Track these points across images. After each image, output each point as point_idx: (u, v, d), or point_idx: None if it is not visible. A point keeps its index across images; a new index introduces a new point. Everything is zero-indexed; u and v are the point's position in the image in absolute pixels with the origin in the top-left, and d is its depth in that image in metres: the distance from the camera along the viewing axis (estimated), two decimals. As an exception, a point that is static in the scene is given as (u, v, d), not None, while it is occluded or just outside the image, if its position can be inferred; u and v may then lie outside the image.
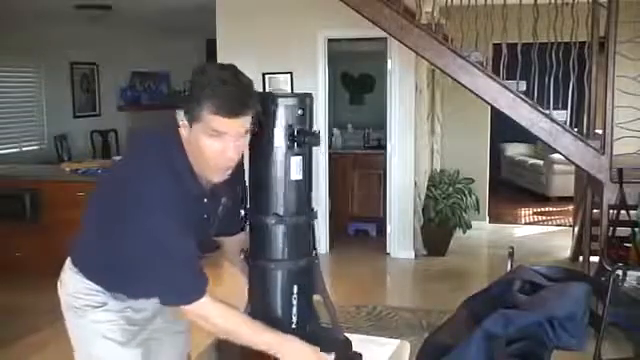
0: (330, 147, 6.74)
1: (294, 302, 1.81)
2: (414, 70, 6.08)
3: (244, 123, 1.65)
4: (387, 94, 6.25)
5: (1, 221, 5.65)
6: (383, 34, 4.95)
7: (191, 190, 1.75)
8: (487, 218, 7.61)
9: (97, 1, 6.67)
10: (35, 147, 8.58)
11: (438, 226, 6.29)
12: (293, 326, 1.82)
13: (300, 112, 1.76)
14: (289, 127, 1.74)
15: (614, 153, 4.36)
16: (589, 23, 4.47)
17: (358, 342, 1.98)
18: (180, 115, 1.68)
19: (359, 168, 7.26)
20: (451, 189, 6.37)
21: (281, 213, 1.78)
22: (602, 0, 4.35)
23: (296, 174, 1.77)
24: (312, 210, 1.86)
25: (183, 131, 1.70)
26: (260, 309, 1.85)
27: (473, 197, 6.48)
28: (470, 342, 1.85)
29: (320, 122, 6.17)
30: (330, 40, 6.23)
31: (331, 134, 7.36)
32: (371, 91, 8.24)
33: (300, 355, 1.74)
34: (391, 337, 2.43)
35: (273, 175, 1.77)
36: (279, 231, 1.80)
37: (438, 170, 6.93)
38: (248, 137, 1.70)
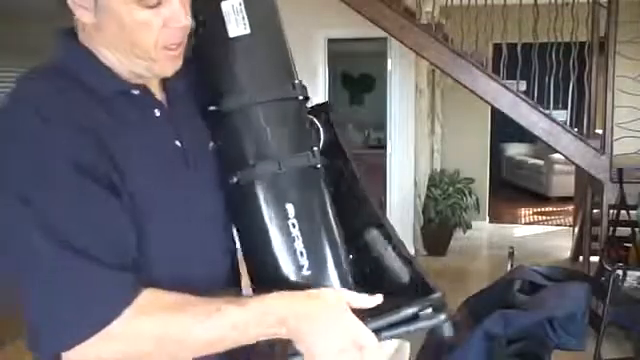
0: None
1: (294, 233, 1.05)
2: (414, 70, 6.07)
3: None
4: (387, 94, 6.25)
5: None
6: (383, 34, 4.95)
7: (101, 88, 1.01)
8: (487, 218, 7.61)
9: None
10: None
11: (438, 226, 6.29)
12: (305, 272, 1.04)
13: None
14: None
15: (614, 153, 4.36)
16: (589, 23, 4.48)
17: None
18: None
19: (359, 168, 7.25)
20: (451, 189, 6.37)
21: (227, 97, 1.07)
22: (602, 0, 4.35)
23: (237, 28, 1.05)
24: (294, 87, 1.13)
25: (84, 13, 0.99)
26: (252, 266, 1.10)
27: (473, 197, 6.48)
28: (470, 342, 1.85)
29: (320, 122, 6.17)
30: (330, 40, 6.23)
31: (331, 134, 7.35)
32: (371, 91, 8.25)
33: (319, 315, 0.94)
34: (391, 337, 2.43)
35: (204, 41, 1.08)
36: (239, 124, 1.08)
37: (438, 170, 6.93)
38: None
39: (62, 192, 0.91)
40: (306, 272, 1.04)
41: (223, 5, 1.04)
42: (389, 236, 1.09)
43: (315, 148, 1.12)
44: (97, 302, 0.90)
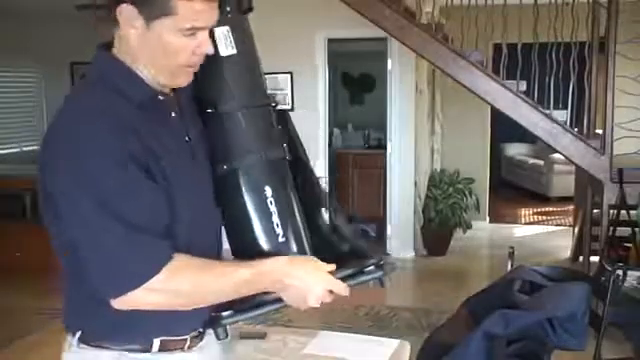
0: (330, 147, 6.75)
1: (271, 209, 1.35)
2: (414, 70, 6.08)
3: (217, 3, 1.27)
4: (387, 94, 6.25)
5: (1, 221, 5.65)
6: (383, 34, 4.95)
7: (135, 94, 1.27)
8: (487, 218, 7.61)
9: (99, 1, 6.67)
10: (35, 147, 8.58)
11: (438, 226, 6.29)
12: (280, 239, 1.36)
13: None
14: None
15: (614, 153, 4.36)
16: (589, 23, 4.47)
17: (358, 342, 1.98)
18: (128, 11, 1.22)
19: (359, 168, 7.26)
20: (451, 189, 6.37)
21: (221, 102, 1.36)
22: (602, 0, 4.35)
23: (226, 49, 1.34)
24: (268, 96, 1.42)
25: (131, 31, 1.24)
26: (238, 243, 1.39)
27: (473, 197, 6.48)
28: (470, 342, 1.85)
29: (320, 122, 6.17)
30: (330, 40, 6.23)
31: (331, 134, 7.35)
32: (371, 91, 8.24)
33: (301, 277, 1.28)
34: (391, 337, 2.43)
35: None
36: (228, 123, 1.37)
37: (438, 170, 6.93)
38: None
39: (117, 177, 1.18)
40: (281, 239, 1.34)
41: (215, 31, 1.30)
42: (335, 215, 1.41)
43: (284, 144, 1.40)
44: (141, 263, 1.19)
